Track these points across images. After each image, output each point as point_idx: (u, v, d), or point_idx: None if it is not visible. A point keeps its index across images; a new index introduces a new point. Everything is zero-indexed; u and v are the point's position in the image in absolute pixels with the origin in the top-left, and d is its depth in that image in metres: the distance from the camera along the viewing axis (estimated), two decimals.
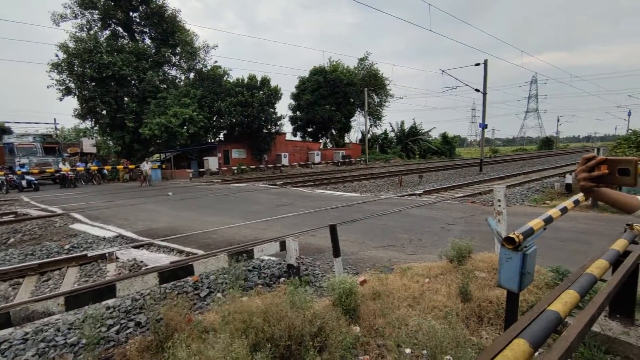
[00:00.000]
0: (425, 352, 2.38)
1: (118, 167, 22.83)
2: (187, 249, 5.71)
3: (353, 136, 43.88)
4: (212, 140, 28.47)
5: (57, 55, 21.44)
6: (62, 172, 19.15)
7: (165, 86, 25.08)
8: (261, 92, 25.92)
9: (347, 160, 33.94)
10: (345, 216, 8.08)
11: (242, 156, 27.91)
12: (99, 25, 23.51)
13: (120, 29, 24.51)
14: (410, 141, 42.12)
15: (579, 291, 1.71)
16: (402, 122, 43.84)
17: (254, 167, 27.38)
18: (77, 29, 22.72)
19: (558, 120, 75.13)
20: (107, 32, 23.94)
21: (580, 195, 3.66)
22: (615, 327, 2.62)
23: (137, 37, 24.93)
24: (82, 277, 5.18)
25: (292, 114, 38.04)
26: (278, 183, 18.08)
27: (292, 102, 37.87)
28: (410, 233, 6.36)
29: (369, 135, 38.53)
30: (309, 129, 38.47)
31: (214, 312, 3.14)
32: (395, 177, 18.50)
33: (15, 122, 37.21)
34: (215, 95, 25.37)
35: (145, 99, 23.28)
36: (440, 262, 4.18)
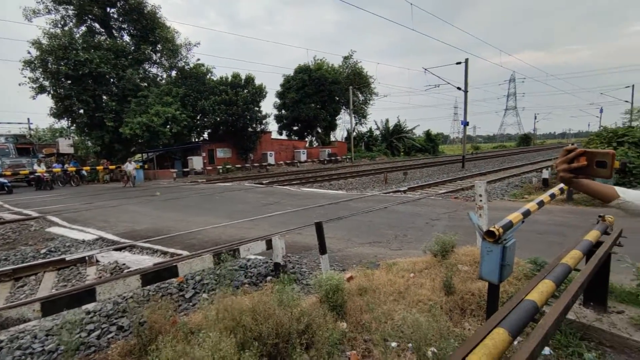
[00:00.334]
0: (410, 345, 2.43)
1: (98, 167, 22.10)
2: (172, 250, 5.60)
3: (339, 134, 44.11)
4: (196, 140, 27.96)
5: (29, 53, 20.54)
6: (37, 174, 18.36)
7: (146, 84, 24.39)
8: (245, 91, 25.62)
9: (333, 158, 34.05)
10: (332, 214, 8.11)
11: (227, 155, 27.55)
12: (74, 21, 22.59)
13: (97, 25, 23.65)
14: (395, 139, 42.64)
15: (554, 281, 1.78)
16: (387, 120, 44.37)
17: (239, 166, 27.08)
18: (51, 25, 21.80)
19: (535, 118, 77.84)
20: (83, 29, 23.04)
21: (556, 189, 3.81)
22: (589, 314, 2.74)
23: (115, 34, 24.12)
24: (60, 282, 5.00)
25: (277, 113, 37.83)
26: (264, 182, 17.95)
27: (277, 100, 37.65)
28: (396, 229, 6.45)
29: (354, 134, 38.74)
30: (295, 128, 38.36)
31: (200, 313, 3.09)
32: (381, 174, 18.70)
33: None
34: (198, 93, 24.89)
35: (126, 97, 22.58)
36: (425, 256, 4.26)
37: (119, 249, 6.01)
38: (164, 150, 24.67)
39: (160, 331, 2.61)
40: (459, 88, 23.64)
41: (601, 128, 12.98)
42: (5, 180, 16.93)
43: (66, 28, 21.97)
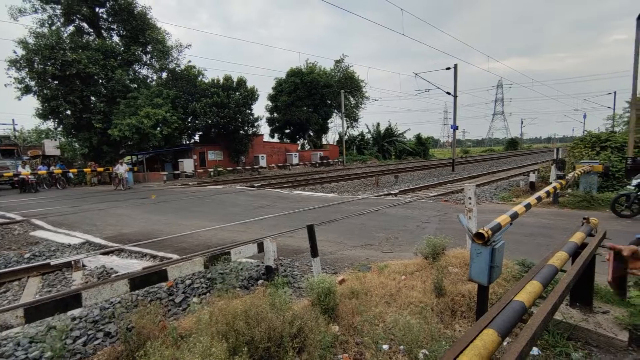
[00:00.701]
0: (402, 347, 2.44)
1: (85, 170, 21.63)
2: (161, 254, 5.51)
3: (330, 137, 44.25)
4: (187, 142, 27.66)
5: (15, 52, 20.05)
6: (21, 176, 17.87)
7: (135, 86, 24.05)
8: (237, 93, 25.50)
9: (325, 161, 34.09)
10: (324, 217, 8.11)
11: (219, 158, 27.32)
12: (61, 20, 22.17)
13: (85, 25, 23.25)
14: (386, 142, 43.00)
15: (541, 282, 1.81)
16: (378, 124, 44.76)
17: (231, 169, 26.88)
18: (38, 24, 21.35)
19: (522, 123, 79.69)
20: (70, 28, 22.62)
21: (542, 192, 3.89)
22: (575, 314, 2.80)
23: (105, 34, 23.75)
24: (45, 288, 4.86)
25: (269, 116, 37.78)
26: (256, 185, 17.85)
27: (270, 103, 37.62)
28: (387, 232, 6.49)
29: (346, 137, 38.94)
30: (287, 131, 38.34)
31: (191, 317, 3.05)
32: (372, 177, 18.80)
33: None
34: (189, 95, 24.65)
35: (114, 98, 22.21)
36: (416, 259, 4.29)
37: (107, 253, 5.88)
38: (154, 153, 24.33)
39: (148, 337, 2.56)
40: (448, 93, 24.00)
41: (585, 133, 13.36)
42: None
43: (53, 27, 21.53)
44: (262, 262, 4.37)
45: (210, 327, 2.41)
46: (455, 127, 24.48)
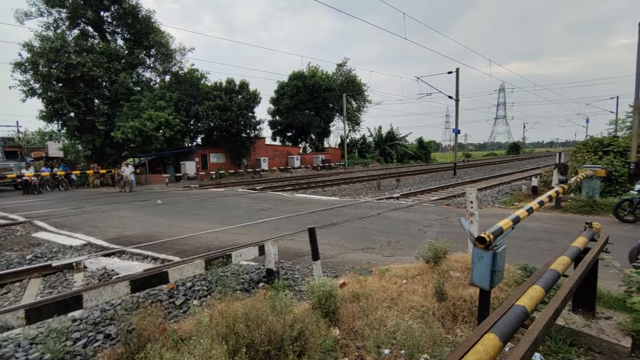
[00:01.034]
0: (403, 352, 2.42)
1: (88, 172, 21.71)
2: (162, 256, 5.51)
3: (332, 141, 44.30)
4: (190, 145, 27.77)
5: (20, 55, 20.26)
6: (24, 178, 17.96)
7: (139, 88, 24.20)
8: (240, 96, 25.62)
9: (326, 164, 34.11)
10: (325, 220, 8.10)
11: (221, 161, 27.40)
12: (67, 24, 22.38)
13: (90, 28, 23.47)
14: (387, 146, 42.99)
15: (543, 286, 1.80)
16: (380, 127, 44.79)
17: (233, 171, 26.93)
18: (43, 28, 21.56)
19: (524, 127, 79.71)
20: (75, 32, 22.83)
21: (544, 197, 3.88)
22: (578, 320, 2.77)
23: (109, 38, 23.96)
24: (46, 289, 4.87)
25: (271, 119, 37.86)
26: (257, 187, 17.87)
27: (272, 106, 37.71)
28: (389, 235, 6.47)
29: (347, 140, 38.95)
30: (289, 134, 38.41)
31: (191, 320, 3.04)
32: (374, 181, 18.78)
33: None
34: (192, 98, 24.77)
35: (118, 101, 22.36)
36: (417, 263, 4.27)
37: (108, 255, 5.90)
38: (157, 155, 24.42)
39: (149, 339, 2.55)
40: (450, 97, 24.02)
41: (587, 138, 13.32)
42: None
43: (59, 31, 21.75)
44: (263, 265, 4.36)
45: (210, 329, 2.40)
46: (457, 131, 24.47)
